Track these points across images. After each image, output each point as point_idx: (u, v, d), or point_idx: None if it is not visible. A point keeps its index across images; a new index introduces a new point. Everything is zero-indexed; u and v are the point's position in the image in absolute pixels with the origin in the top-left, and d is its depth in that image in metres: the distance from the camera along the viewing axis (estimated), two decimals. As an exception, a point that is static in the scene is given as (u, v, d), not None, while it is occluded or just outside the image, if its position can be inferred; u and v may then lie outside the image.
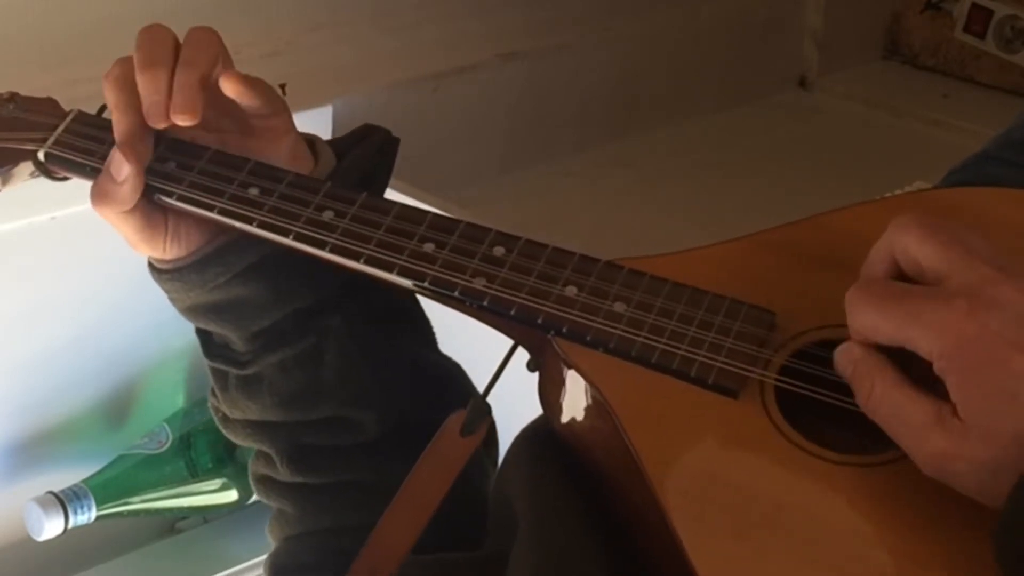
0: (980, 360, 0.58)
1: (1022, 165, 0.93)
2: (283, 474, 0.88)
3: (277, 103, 0.83)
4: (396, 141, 0.89)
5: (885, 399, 0.61)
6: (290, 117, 0.85)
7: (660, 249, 0.75)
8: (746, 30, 1.86)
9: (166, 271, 0.84)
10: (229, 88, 0.81)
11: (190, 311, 0.86)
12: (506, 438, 0.80)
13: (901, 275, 0.63)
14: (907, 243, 0.62)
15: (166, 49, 0.80)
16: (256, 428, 0.88)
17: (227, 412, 0.89)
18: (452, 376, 0.92)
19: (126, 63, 0.82)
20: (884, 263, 0.64)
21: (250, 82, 0.81)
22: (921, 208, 0.74)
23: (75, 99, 0.89)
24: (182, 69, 0.79)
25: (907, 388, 0.61)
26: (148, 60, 0.80)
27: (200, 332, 0.88)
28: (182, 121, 0.79)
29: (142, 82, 0.80)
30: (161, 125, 0.80)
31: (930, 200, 0.77)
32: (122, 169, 0.80)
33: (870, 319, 0.62)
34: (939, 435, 0.59)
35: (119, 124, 0.82)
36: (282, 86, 1.35)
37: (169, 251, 0.84)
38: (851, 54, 1.99)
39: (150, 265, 0.86)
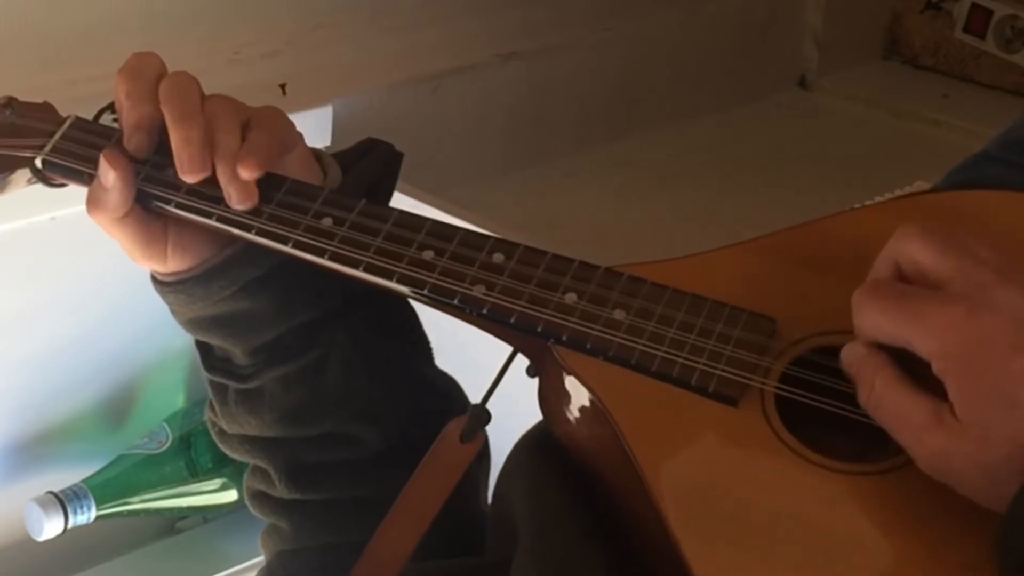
0: (978, 362, 0.58)
1: (1022, 165, 0.93)
2: (280, 491, 0.87)
3: (291, 139, 0.82)
4: (400, 156, 0.88)
5: (886, 397, 0.62)
6: (301, 140, 0.83)
7: (660, 249, 0.75)
8: (746, 30, 1.85)
9: (169, 283, 0.83)
10: (249, 176, 0.78)
11: (192, 324, 0.85)
12: (506, 444, 0.80)
13: (906, 282, 0.63)
14: (910, 250, 0.63)
15: (196, 110, 0.79)
16: (254, 444, 0.87)
17: (225, 427, 0.88)
18: (450, 392, 0.91)
19: (142, 59, 0.81)
20: (888, 271, 0.64)
21: (264, 159, 0.79)
22: (921, 212, 0.74)
23: (75, 99, 0.89)
24: (223, 163, 0.78)
25: (907, 387, 0.61)
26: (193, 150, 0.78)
27: (200, 345, 0.87)
28: (244, 208, 0.78)
29: (185, 158, 0.78)
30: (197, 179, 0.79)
31: (929, 203, 0.77)
32: (108, 175, 0.79)
33: (873, 319, 0.62)
34: (937, 434, 0.59)
35: (130, 113, 0.80)
36: (282, 86, 1.35)
37: (171, 263, 0.82)
38: (851, 54, 1.98)
39: (153, 277, 0.85)
